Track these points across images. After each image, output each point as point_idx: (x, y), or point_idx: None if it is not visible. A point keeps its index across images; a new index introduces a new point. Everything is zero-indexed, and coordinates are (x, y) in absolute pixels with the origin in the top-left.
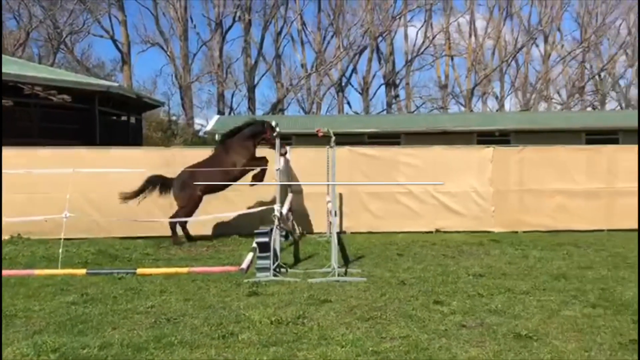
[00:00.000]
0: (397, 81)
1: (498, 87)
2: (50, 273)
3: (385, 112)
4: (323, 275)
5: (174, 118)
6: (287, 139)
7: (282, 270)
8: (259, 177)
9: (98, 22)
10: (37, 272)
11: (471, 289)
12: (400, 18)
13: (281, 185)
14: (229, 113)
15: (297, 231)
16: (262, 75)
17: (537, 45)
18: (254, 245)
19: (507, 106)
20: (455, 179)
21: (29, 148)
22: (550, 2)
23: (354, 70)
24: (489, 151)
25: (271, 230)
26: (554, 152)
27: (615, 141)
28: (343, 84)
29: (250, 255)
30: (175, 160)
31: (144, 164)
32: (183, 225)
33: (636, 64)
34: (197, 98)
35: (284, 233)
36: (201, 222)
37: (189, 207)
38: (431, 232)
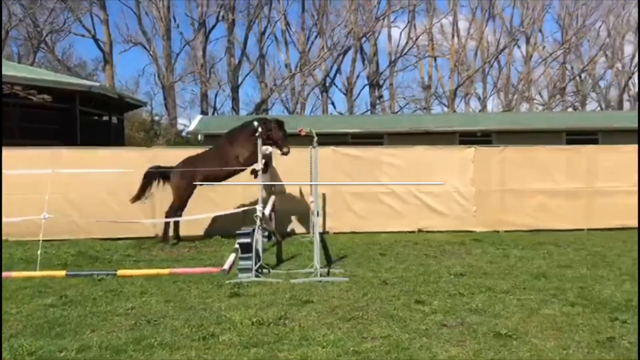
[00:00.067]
0: (381, 82)
1: (481, 88)
2: (28, 275)
3: (369, 112)
4: (305, 275)
5: (156, 118)
6: None
7: (265, 271)
8: (264, 171)
9: (79, 21)
10: (14, 274)
11: (452, 288)
12: (383, 19)
13: (264, 185)
14: (213, 113)
15: (278, 237)
16: (246, 75)
17: (519, 47)
18: (236, 246)
19: (489, 107)
20: (438, 179)
21: (8, 148)
22: (532, 4)
23: (338, 70)
24: (470, 151)
25: (253, 231)
26: (534, 152)
27: (595, 141)
28: (327, 84)
29: (232, 256)
30: (158, 160)
31: (127, 164)
32: (176, 224)
33: (636, 64)
34: (180, 98)
35: (266, 234)
36: (184, 222)
37: (185, 195)
38: (414, 231)
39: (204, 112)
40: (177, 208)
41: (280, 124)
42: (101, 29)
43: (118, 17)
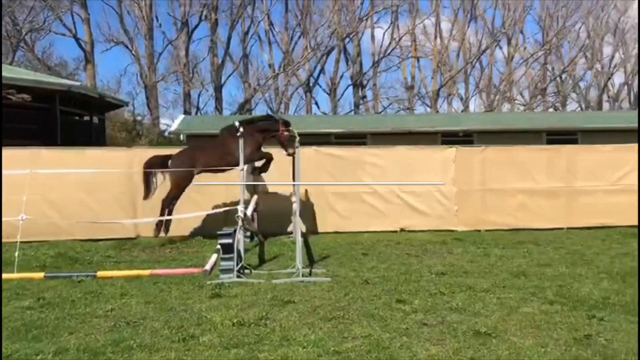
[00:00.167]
0: (365, 82)
1: (463, 88)
2: (5, 277)
3: (352, 112)
4: (287, 275)
5: (139, 118)
6: None
7: (246, 271)
8: (264, 169)
9: (60, 20)
10: None
11: (433, 287)
12: (367, 19)
13: (246, 185)
14: (196, 113)
15: (260, 237)
16: (229, 75)
17: (500, 48)
18: (218, 246)
19: (471, 107)
20: (420, 179)
21: None
22: (514, 5)
23: (322, 70)
24: (451, 151)
25: (235, 231)
26: (515, 152)
27: (574, 141)
28: (311, 84)
29: (214, 256)
30: (140, 160)
31: (108, 164)
32: (167, 222)
33: (636, 64)
34: (163, 98)
35: (248, 234)
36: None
37: (183, 185)
38: (396, 231)
39: (186, 112)
40: (173, 197)
41: (287, 124)
42: (82, 28)
43: (99, 16)
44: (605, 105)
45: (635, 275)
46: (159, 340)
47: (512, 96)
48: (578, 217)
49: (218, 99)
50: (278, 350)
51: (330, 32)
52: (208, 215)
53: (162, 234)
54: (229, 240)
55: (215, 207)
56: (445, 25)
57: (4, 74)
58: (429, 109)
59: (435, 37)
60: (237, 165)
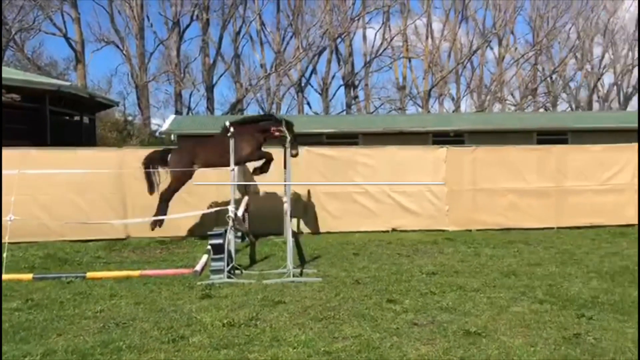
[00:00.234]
0: (356, 82)
1: (454, 88)
2: None
3: (344, 112)
4: (278, 276)
5: (129, 118)
6: None
7: (237, 272)
8: (265, 169)
9: (50, 20)
10: None
11: (424, 287)
12: (358, 20)
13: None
14: (187, 113)
15: (251, 238)
16: (221, 75)
17: (491, 48)
18: (209, 247)
19: (462, 107)
20: (411, 179)
21: None
22: (504, 6)
23: (314, 70)
24: (442, 151)
25: (225, 231)
26: (505, 152)
27: (564, 141)
28: (303, 84)
29: (205, 257)
30: (129, 160)
31: (99, 164)
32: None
33: (625, 65)
34: (154, 98)
35: (239, 234)
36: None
37: (183, 179)
38: (387, 231)
39: (178, 112)
40: (173, 190)
41: (289, 125)
42: (72, 28)
43: (90, 16)
44: (595, 106)
45: (624, 274)
46: (149, 341)
47: (503, 96)
48: (568, 217)
49: (209, 99)
50: (268, 350)
51: (322, 32)
52: (198, 215)
53: (157, 227)
54: (220, 241)
55: (207, 207)
56: (436, 26)
57: None
58: (420, 109)
59: (427, 38)
60: (238, 163)
